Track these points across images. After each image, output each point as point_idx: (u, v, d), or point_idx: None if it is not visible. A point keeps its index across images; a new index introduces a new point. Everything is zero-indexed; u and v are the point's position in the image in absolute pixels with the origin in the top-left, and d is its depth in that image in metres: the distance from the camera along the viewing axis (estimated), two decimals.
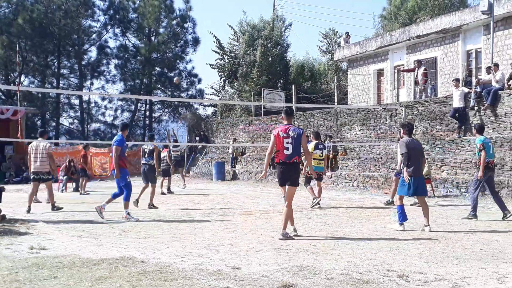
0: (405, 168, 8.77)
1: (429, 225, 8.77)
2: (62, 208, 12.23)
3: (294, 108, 26.87)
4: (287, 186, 8.09)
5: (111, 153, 28.23)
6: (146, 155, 13.03)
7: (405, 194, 8.84)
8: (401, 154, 8.95)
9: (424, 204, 8.91)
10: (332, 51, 36.40)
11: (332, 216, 11.02)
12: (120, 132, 10.68)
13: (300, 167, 14.60)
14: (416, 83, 21.18)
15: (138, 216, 10.51)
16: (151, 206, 12.68)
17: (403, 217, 8.79)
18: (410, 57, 24.43)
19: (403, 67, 24.19)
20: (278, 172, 8.24)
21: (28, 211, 11.61)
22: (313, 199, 12.86)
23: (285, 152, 7.97)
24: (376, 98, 26.70)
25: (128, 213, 10.29)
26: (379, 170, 19.03)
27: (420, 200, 9.09)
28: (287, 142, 7.96)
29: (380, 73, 26.79)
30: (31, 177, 12.36)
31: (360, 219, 10.22)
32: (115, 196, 10.48)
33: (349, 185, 19.34)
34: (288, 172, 8.06)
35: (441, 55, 23.11)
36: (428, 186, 15.97)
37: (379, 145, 20.18)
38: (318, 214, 11.22)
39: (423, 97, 20.35)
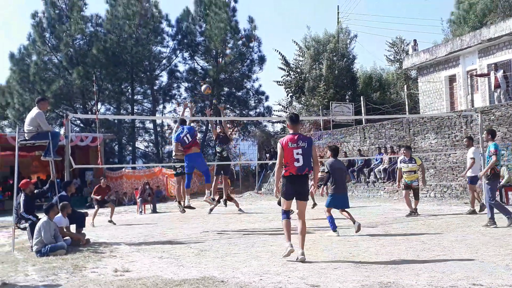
0: (325, 186, 10.36)
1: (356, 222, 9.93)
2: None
3: (364, 120, 26.53)
4: (295, 201, 7.61)
5: None
6: None
7: (328, 207, 10.18)
8: (326, 173, 10.37)
9: (347, 213, 10.23)
10: (400, 60, 35.73)
11: (410, 228, 10.74)
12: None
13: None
14: (496, 86, 20.45)
15: (213, 239, 10.65)
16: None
17: (333, 225, 10.01)
18: (483, 61, 23.57)
19: (476, 72, 23.40)
20: (286, 186, 7.55)
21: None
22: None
23: (296, 164, 7.39)
24: (449, 105, 25.91)
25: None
26: (457, 179, 18.37)
27: (344, 212, 10.31)
28: (297, 153, 7.38)
29: (452, 79, 25.98)
30: None
31: (440, 231, 9.90)
32: None
33: (426, 196, 18.76)
34: (298, 186, 7.52)
35: None
36: (510, 194, 15.28)
37: (456, 153, 19.51)
38: (395, 228, 10.97)
39: (503, 100, 19.69)
